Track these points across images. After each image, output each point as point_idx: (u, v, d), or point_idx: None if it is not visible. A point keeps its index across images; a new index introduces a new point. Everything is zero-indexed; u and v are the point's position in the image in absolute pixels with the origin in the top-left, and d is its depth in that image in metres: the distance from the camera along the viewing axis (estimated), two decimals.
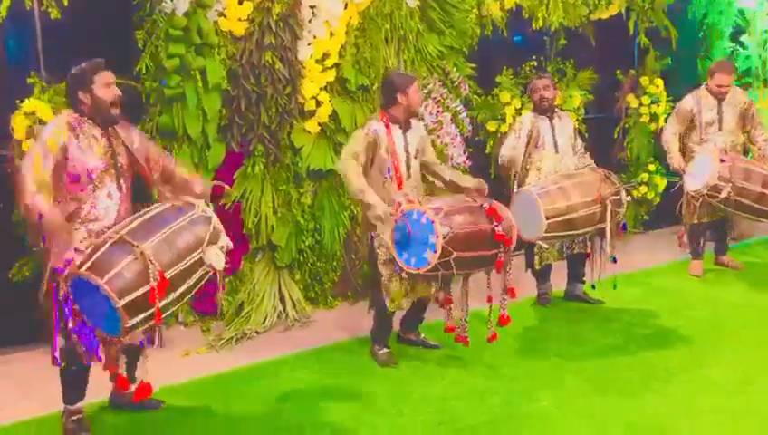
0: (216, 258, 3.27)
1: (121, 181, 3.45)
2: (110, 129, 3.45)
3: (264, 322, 5.02)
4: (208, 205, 3.53)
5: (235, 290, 5.17)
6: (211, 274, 3.34)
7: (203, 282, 3.33)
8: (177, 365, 4.38)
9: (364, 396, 3.93)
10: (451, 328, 4.25)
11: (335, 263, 5.48)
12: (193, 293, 3.33)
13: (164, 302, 3.12)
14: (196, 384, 4.12)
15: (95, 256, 3.07)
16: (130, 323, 3.04)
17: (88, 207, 3.34)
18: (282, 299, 5.21)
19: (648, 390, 3.91)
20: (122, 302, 2.99)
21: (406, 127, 4.28)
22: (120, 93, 3.44)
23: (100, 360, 3.32)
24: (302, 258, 5.32)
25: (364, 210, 4.17)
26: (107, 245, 3.12)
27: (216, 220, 3.38)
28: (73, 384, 3.48)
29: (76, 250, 3.18)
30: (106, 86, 3.38)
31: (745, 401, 3.74)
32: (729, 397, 3.79)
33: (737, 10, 7.55)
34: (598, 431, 3.49)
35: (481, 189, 4.25)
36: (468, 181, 4.40)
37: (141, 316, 3.08)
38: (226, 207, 5.00)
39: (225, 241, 3.38)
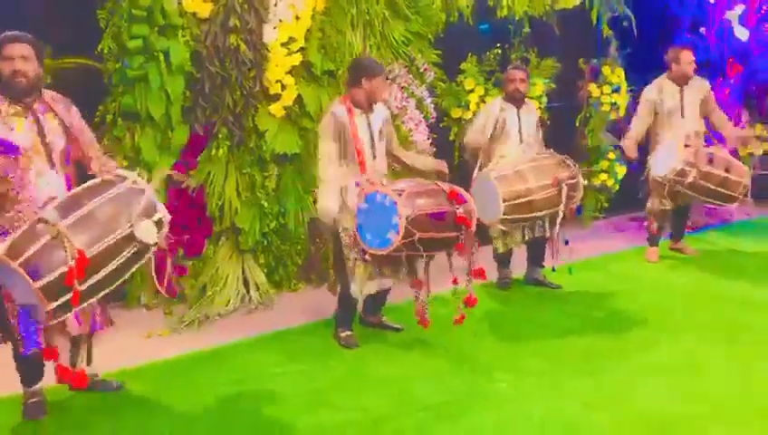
0: (146, 233, 3.06)
1: (53, 158, 3.28)
2: (36, 105, 3.27)
3: (227, 305, 5.02)
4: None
5: (198, 273, 5.16)
6: (156, 251, 3.16)
7: (143, 259, 3.15)
8: (138, 347, 4.36)
9: (327, 378, 3.98)
10: (421, 312, 4.32)
11: (299, 246, 5.49)
12: (132, 270, 3.15)
13: (90, 282, 2.94)
14: (157, 367, 4.12)
15: (13, 238, 2.94)
16: (51, 306, 2.87)
17: (17, 189, 3.19)
18: (245, 282, 5.21)
19: (603, 370, 4.01)
20: (38, 284, 2.83)
21: (368, 110, 4.32)
22: (19, 68, 3.16)
23: (39, 347, 3.22)
24: (266, 242, 5.32)
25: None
26: (25, 226, 3.00)
27: (150, 192, 3.19)
28: (27, 367, 3.45)
29: (3, 235, 3.07)
30: (6, 59, 3.19)
31: (696, 381, 3.87)
32: (681, 376, 3.92)
33: (696, 1, 7.71)
34: (554, 410, 3.57)
35: (441, 171, 4.33)
36: (429, 163, 4.47)
37: (65, 298, 2.90)
38: (190, 190, 4.98)
39: (163, 213, 3.18)
